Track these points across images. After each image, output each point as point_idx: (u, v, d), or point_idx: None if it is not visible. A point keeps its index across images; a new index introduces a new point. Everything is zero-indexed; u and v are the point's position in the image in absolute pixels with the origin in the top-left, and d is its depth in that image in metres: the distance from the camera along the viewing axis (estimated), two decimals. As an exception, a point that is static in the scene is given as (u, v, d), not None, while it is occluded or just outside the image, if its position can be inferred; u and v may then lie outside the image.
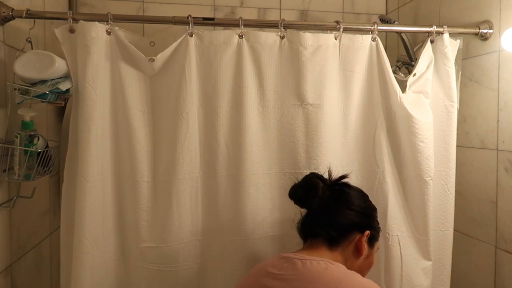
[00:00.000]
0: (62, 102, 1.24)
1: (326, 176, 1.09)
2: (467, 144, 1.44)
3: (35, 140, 1.14)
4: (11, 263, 1.18)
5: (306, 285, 0.84)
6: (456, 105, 1.36)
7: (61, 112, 1.42)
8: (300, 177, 1.30)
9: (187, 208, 1.27)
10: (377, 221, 1.06)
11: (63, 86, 1.15)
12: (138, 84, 1.26)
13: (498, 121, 1.31)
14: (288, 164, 1.31)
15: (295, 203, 1.06)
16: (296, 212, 1.32)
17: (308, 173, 1.09)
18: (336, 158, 1.32)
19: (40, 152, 1.14)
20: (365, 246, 0.98)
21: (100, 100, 1.20)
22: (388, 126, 1.35)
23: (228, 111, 1.28)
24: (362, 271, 0.99)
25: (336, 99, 1.32)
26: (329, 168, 1.12)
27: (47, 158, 1.19)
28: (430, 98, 1.36)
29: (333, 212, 0.99)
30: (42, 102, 1.14)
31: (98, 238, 1.23)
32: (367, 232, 0.98)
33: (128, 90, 1.24)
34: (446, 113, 1.36)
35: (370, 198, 1.11)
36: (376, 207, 1.10)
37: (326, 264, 0.88)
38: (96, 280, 1.22)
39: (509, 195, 1.27)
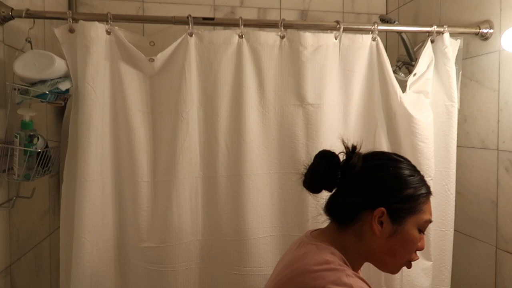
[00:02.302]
0: (61, 102, 1.24)
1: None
2: (467, 144, 1.44)
3: (35, 140, 1.13)
4: (10, 263, 1.18)
5: (283, 267, 0.85)
6: (456, 105, 1.36)
7: (61, 112, 1.42)
8: (300, 177, 1.30)
9: (187, 208, 1.27)
10: (404, 191, 0.86)
11: (63, 86, 1.15)
12: (138, 84, 1.26)
13: (498, 121, 1.31)
14: (288, 164, 1.31)
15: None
16: (295, 211, 1.32)
17: (319, 151, 0.94)
18: (336, 158, 1.32)
19: (40, 152, 1.14)
20: (376, 225, 0.84)
21: (100, 100, 1.20)
22: (388, 126, 1.35)
23: (228, 111, 1.28)
24: (394, 252, 0.87)
25: (336, 99, 1.32)
26: (342, 139, 0.93)
27: (46, 158, 1.19)
28: (430, 98, 1.36)
29: (341, 191, 0.90)
30: (42, 102, 1.13)
31: (98, 238, 1.23)
32: (380, 209, 0.84)
33: (128, 90, 1.24)
34: (446, 113, 1.36)
35: None
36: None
37: (310, 248, 0.85)
38: (95, 280, 1.22)
39: (509, 195, 1.27)
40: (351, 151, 0.91)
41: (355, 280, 0.76)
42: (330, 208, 0.92)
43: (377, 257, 0.88)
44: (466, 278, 1.46)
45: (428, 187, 0.90)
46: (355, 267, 0.88)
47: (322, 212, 0.94)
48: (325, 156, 0.90)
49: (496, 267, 1.32)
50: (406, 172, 0.88)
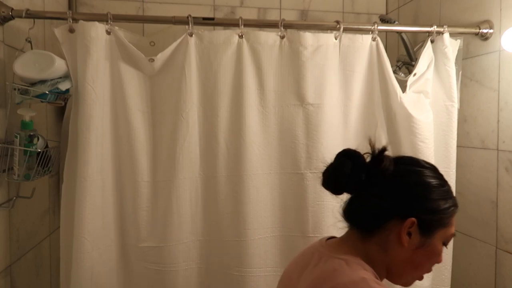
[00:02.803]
0: (61, 102, 1.24)
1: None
2: (467, 144, 1.44)
3: (35, 140, 1.13)
4: (10, 263, 1.18)
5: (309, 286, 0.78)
6: (456, 105, 1.36)
7: (61, 112, 1.42)
8: (300, 177, 1.30)
9: (187, 208, 1.27)
10: (437, 202, 0.80)
11: (63, 86, 1.15)
12: (138, 84, 1.26)
13: (498, 121, 1.31)
14: (288, 164, 1.31)
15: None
16: (296, 211, 1.32)
17: (342, 150, 0.86)
18: (336, 158, 1.32)
19: (40, 152, 1.14)
20: (405, 236, 0.78)
21: (100, 100, 1.20)
22: (388, 126, 1.35)
23: (228, 111, 1.28)
24: (417, 264, 0.82)
25: (336, 99, 1.32)
26: (370, 140, 0.86)
27: (46, 158, 1.19)
28: (430, 98, 1.36)
29: (365, 196, 0.82)
30: (42, 102, 1.14)
31: (98, 238, 1.22)
32: (411, 220, 0.77)
33: (128, 90, 1.24)
34: (446, 113, 1.36)
35: None
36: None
37: (339, 263, 0.77)
38: (95, 280, 1.22)
39: (509, 195, 1.27)
40: (379, 153, 0.83)
41: None
42: (351, 212, 0.85)
43: (397, 269, 0.83)
44: (466, 278, 1.46)
45: (455, 199, 0.85)
46: (381, 279, 0.82)
47: (341, 218, 0.86)
48: (351, 156, 0.83)
49: (496, 267, 1.32)
50: (437, 182, 0.82)
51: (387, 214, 0.80)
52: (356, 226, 0.84)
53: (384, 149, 0.83)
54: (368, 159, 0.84)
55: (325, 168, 0.86)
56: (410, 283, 0.86)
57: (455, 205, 0.83)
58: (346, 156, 0.83)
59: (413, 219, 0.78)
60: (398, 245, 0.79)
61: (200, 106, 1.28)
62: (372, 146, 0.84)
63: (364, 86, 1.35)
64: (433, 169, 0.86)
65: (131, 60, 1.24)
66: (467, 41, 1.42)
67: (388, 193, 0.80)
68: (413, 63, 1.52)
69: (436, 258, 0.83)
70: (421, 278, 0.86)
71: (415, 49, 1.56)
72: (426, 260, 0.82)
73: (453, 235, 0.84)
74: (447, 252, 1.37)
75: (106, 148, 1.24)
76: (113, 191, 1.27)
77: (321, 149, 1.29)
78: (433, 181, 0.82)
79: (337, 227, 0.89)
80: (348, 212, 0.85)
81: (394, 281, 0.86)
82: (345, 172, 0.81)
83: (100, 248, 1.23)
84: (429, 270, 0.85)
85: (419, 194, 0.80)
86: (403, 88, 1.34)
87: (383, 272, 0.83)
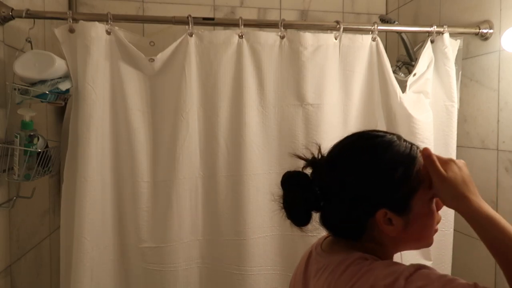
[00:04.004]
0: (62, 102, 1.24)
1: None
2: (467, 144, 1.44)
3: (35, 140, 1.13)
4: (10, 263, 1.18)
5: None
6: (456, 105, 1.36)
7: (61, 112, 1.42)
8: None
9: (187, 208, 1.27)
10: (394, 177, 0.69)
11: (63, 86, 1.15)
12: (138, 84, 1.26)
13: (498, 121, 1.31)
14: (288, 164, 1.29)
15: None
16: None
17: (284, 178, 0.81)
18: (336, 158, 1.32)
19: (40, 152, 1.14)
20: (387, 227, 0.70)
21: (100, 100, 1.20)
22: (388, 126, 1.35)
23: (228, 111, 1.28)
24: (418, 237, 0.75)
25: (336, 99, 1.32)
26: (296, 154, 0.81)
27: (46, 158, 1.19)
28: (430, 98, 1.36)
29: (330, 208, 0.75)
30: (42, 102, 1.14)
31: (98, 238, 1.23)
32: (380, 212, 0.69)
33: (128, 90, 1.24)
34: (446, 113, 1.36)
35: None
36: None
37: (357, 267, 0.68)
38: (95, 281, 1.22)
39: (509, 195, 1.27)
40: (312, 163, 0.79)
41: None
42: (326, 224, 0.77)
43: (405, 246, 0.78)
44: (466, 278, 1.44)
45: (410, 146, 0.73)
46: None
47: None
48: (297, 181, 0.79)
49: (496, 267, 1.32)
50: (386, 152, 0.71)
51: (358, 221, 0.73)
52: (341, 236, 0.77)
53: (313, 161, 0.78)
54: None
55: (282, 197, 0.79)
56: (430, 244, 0.79)
57: (415, 157, 0.72)
58: (295, 184, 0.78)
59: (382, 210, 0.69)
60: (387, 236, 0.72)
61: (200, 106, 1.28)
62: (304, 158, 0.80)
63: (364, 86, 1.35)
64: (372, 141, 0.74)
65: (131, 60, 1.24)
66: (467, 41, 1.42)
67: (342, 204, 0.73)
68: (413, 63, 1.52)
69: (432, 220, 0.74)
70: (432, 238, 0.77)
71: (415, 49, 1.56)
72: (424, 228, 0.74)
73: (432, 186, 0.71)
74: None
75: (106, 148, 1.24)
76: (113, 191, 1.27)
77: (321, 149, 1.29)
78: (379, 159, 0.71)
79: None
80: (323, 222, 0.77)
81: (414, 249, 0.80)
82: (298, 203, 0.75)
83: (100, 248, 1.24)
84: (434, 231, 0.76)
85: (372, 184, 0.70)
86: (403, 88, 1.34)
87: (390, 256, 0.77)
